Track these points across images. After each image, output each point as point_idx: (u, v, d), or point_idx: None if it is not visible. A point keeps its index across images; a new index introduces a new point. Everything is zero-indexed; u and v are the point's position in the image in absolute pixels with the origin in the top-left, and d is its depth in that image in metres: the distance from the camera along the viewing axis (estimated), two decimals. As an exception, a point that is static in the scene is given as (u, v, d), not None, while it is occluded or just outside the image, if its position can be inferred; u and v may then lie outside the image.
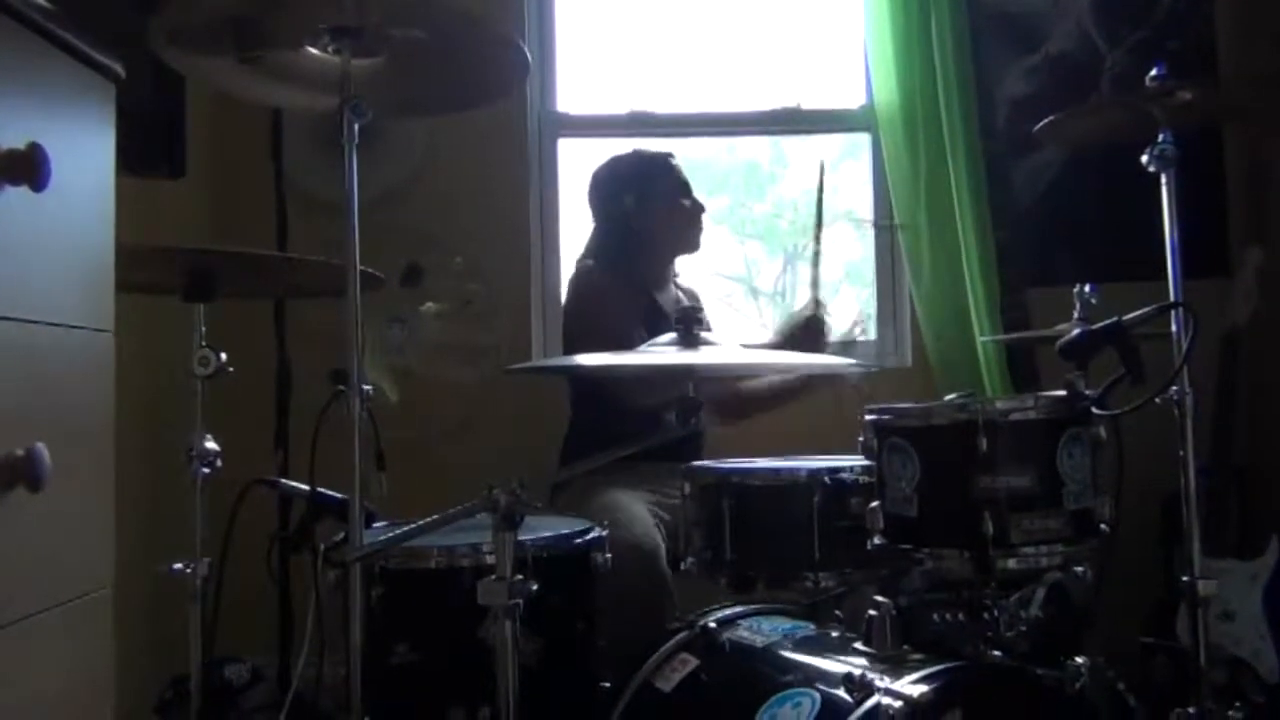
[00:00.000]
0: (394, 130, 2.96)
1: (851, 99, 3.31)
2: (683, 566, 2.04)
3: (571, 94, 3.33)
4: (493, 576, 1.42)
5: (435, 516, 1.42)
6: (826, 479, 1.92)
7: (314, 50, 1.56)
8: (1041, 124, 2.02)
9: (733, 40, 3.39)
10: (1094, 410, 1.72)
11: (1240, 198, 3.07)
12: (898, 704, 1.36)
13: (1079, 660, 2.00)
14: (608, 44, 3.39)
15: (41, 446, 0.96)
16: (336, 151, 1.59)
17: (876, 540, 1.87)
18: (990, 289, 2.97)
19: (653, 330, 2.59)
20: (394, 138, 2.97)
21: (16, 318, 0.98)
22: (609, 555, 1.88)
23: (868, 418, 1.83)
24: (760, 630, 1.71)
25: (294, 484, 1.75)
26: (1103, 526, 1.78)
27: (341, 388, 1.51)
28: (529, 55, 1.63)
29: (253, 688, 2.62)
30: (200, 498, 1.70)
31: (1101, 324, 1.73)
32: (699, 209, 2.79)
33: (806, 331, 2.62)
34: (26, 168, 0.98)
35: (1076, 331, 1.74)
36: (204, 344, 1.73)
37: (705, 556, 1.98)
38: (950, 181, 3.01)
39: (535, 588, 1.54)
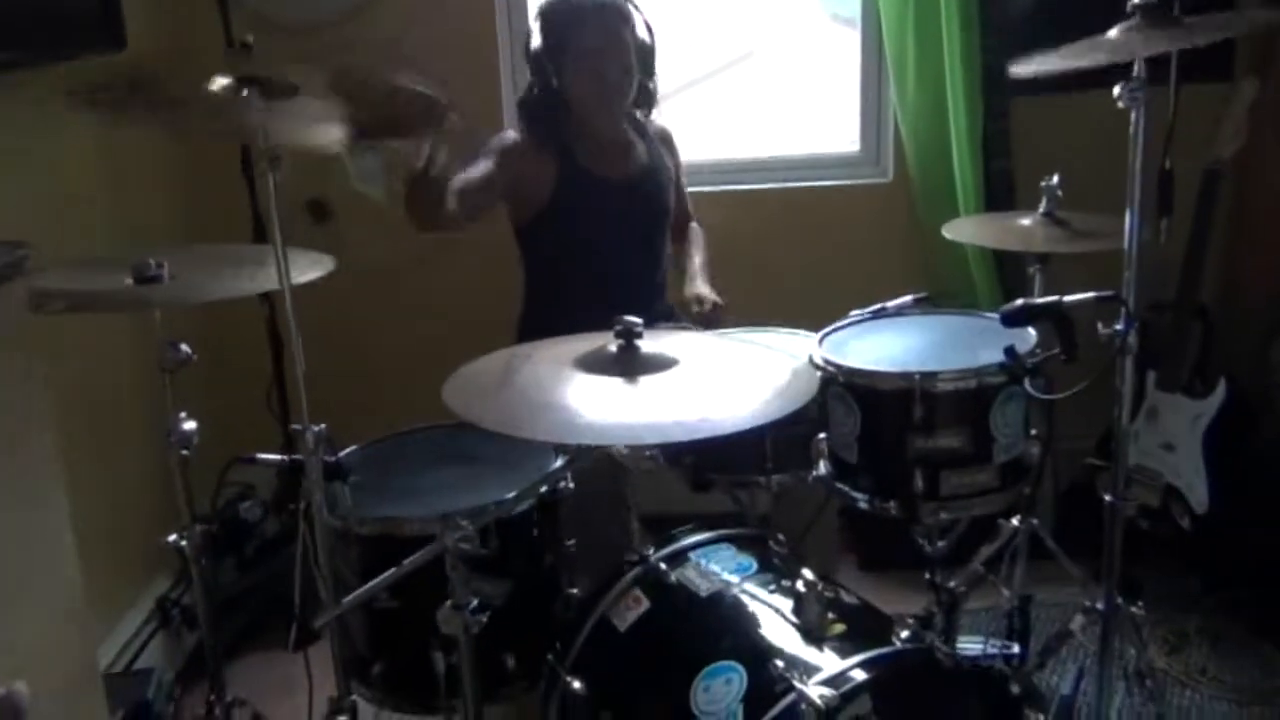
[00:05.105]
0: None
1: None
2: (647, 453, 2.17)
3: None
4: (449, 604, 1.57)
5: (393, 571, 1.55)
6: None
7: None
8: None
9: None
10: (1029, 389, 1.80)
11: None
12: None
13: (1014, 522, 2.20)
14: None
15: (21, 690, 1.06)
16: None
17: (820, 470, 2.01)
18: (973, 106, 2.87)
19: (584, 197, 2.48)
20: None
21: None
22: (571, 485, 2.00)
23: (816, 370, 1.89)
24: (707, 571, 1.83)
25: (271, 457, 1.86)
26: (1034, 452, 1.90)
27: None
28: None
29: (266, 520, 2.89)
30: (181, 477, 1.83)
31: (1042, 300, 1.76)
32: (605, 86, 2.45)
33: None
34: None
35: (1018, 303, 1.77)
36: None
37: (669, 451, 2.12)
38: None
39: (499, 542, 1.70)
